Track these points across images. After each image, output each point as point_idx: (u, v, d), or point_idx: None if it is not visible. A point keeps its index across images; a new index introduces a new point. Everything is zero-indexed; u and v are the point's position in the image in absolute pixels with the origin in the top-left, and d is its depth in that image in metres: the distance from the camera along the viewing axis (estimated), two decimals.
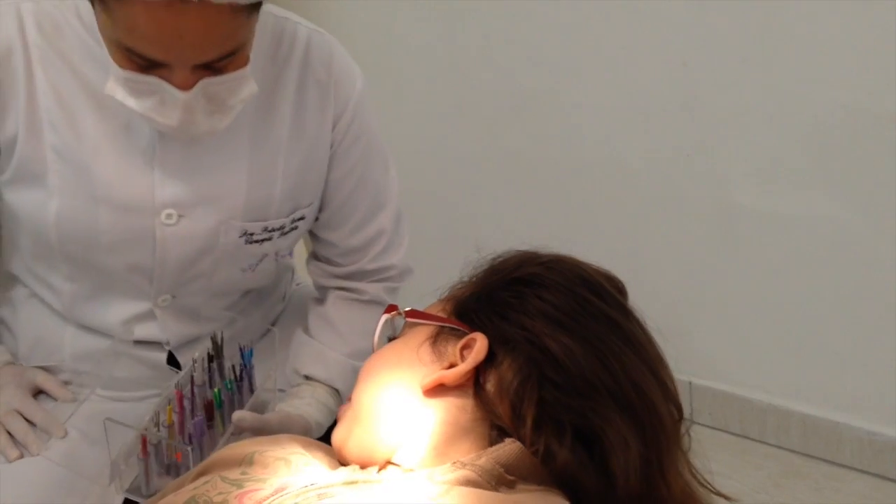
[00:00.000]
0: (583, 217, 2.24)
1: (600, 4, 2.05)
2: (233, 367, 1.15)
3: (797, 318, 2.09)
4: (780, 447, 2.19)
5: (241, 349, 1.18)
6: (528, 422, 0.78)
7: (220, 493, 0.78)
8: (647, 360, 0.83)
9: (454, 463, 0.78)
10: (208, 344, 1.19)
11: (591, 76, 2.13)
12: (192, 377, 1.13)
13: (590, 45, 2.10)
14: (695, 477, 0.85)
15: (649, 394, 0.81)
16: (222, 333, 1.18)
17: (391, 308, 0.92)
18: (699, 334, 2.19)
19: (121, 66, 0.99)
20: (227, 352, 1.21)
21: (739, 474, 2.08)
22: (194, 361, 1.13)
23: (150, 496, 1.04)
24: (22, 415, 1.19)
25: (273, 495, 0.76)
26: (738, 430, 2.23)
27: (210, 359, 1.15)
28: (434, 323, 0.87)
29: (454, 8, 2.22)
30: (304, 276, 1.58)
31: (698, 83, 2.02)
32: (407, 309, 0.91)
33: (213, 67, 1.00)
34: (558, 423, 0.78)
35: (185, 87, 0.99)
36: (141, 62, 0.98)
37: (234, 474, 0.81)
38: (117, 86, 1.01)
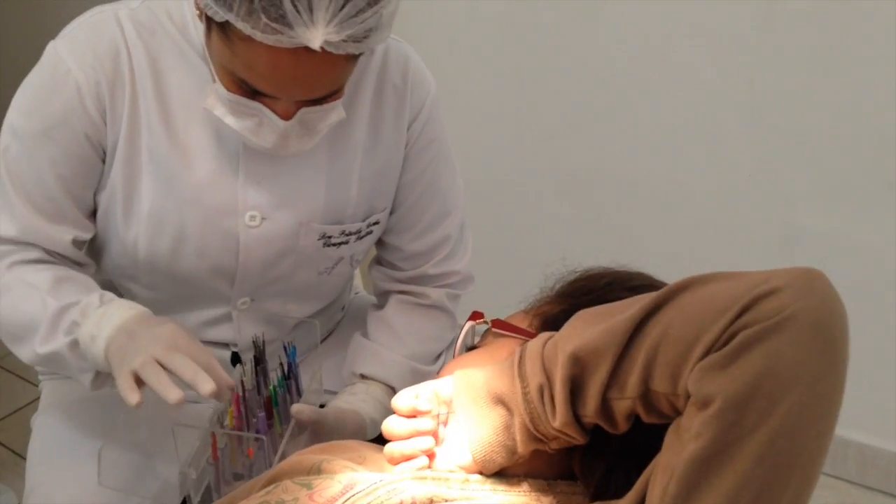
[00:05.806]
0: (641, 236, 2.21)
1: (666, 23, 2.03)
2: (280, 364, 1.15)
3: (857, 345, 2.02)
4: (836, 477, 2.13)
5: (284, 346, 1.17)
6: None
7: (291, 495, 0.77)
8: None
9: (521, 485, 0.77)
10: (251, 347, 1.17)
11: (655, 94, 2.10)
12: (241, 381, 1.13)
13: (654, 62, 2.08)
14: None
15: None
16: (263, 336, 1.18)
17: (477, 315, 0.90)
18: None
19: (228, 89, 1.02)
20: (267, 353, 1.20)
21: None
22: (243, 365, 1.13)
23: None
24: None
25: (343, 493, 0.75)
26: None
27: (256, 361, 1.15)
28: (521, 337, 0.85)
29: (517, 24, 2.21)
30: (359, 284, 1.59)
31: (764, 102, 1.98)
32: (493, 318, 0.89)
33: (314, 100, 1.03)
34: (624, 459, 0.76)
35: (287, 116, 1.03)
36: (249, 90, 1.01)
37: (303, 480, 0.80)
38: (218, 103, 1.04)
